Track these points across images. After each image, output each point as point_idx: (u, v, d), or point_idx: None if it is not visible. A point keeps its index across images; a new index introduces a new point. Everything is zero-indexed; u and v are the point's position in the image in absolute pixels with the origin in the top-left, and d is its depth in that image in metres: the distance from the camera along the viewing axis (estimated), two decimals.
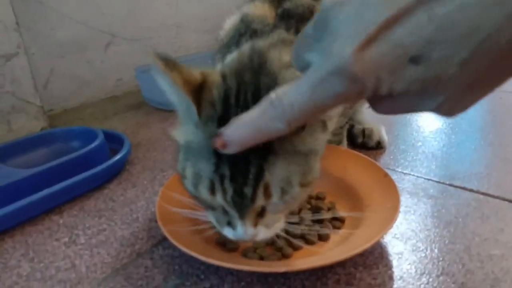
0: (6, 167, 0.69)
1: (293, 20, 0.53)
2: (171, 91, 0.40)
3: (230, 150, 0.36)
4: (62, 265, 0.53)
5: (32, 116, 0.95)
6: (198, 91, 0.40)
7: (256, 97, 0.39)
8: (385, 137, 0.79)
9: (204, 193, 0.41)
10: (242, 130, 0.35)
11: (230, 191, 0.39)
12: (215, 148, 0.37)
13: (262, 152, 0.39)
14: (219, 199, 0.40)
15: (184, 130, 0.43)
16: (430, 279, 0.47)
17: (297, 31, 0.51)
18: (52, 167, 0.67)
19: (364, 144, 0.79)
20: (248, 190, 0.39)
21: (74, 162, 0.70)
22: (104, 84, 1.22)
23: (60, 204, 0.66)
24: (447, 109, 0.28)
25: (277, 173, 0.39)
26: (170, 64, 0.38)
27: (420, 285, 0.46)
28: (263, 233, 0.43)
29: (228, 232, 0.43)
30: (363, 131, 0.79)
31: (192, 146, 0.42)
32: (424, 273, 0.48)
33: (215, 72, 0.43)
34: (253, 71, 0.42)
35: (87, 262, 0.53)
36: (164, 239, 0.56)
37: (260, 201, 0.40)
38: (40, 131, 0.94)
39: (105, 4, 1.17)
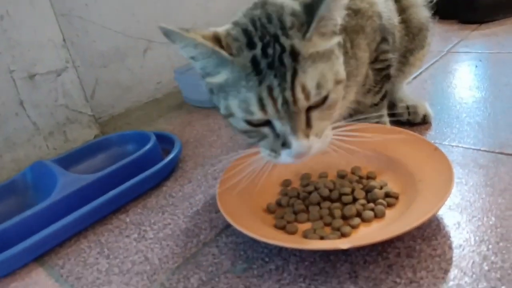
0: (72, 174, 0.74)
1: None
2: (194, 51, 0.48)
3: None
4: (136, 259, 0.57)
5: (85, 125, 1.01)
6: (216, 40, 0.47)
7: (270, 20, 0.47)
8: (430, 111, 0.79)
9: (256, 111, 0.46)
10: None
11: (280, 98, 0.45)
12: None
13: (294, 57, 0.45)
14: (270, 111, 0.46)
15: (217, 77, 0.49)
16: (490, 246, 0.48)
17: None
18: (113, 170, 0.72)
19: (410, 120, 0.79)
20: (288, 94, 0.45)
21: (132, 165, 0.74)
22: (145, 88, 1.27)
23: (125, 204, 0.71)
24: None
25: (309, 72, 0.46)
26: (184, 28, 0.46)
27: (480, 252, 0.47)
28: (316, 143, 0.48)
29: (285, 156, 0.48)
30: (408, 108, 0.80)
31: (229, 81, 0.48)
32: (483, 240, 0.49)
33: (223, 28, 0.50)
34: (261, 7, 0.50)
35: (158, 254, 0.57)
36: (226, 227, 0.59)
37: (301, 101, 0.45)
38: (95, 138, 0.99)
39: (140, 12, 1.21)
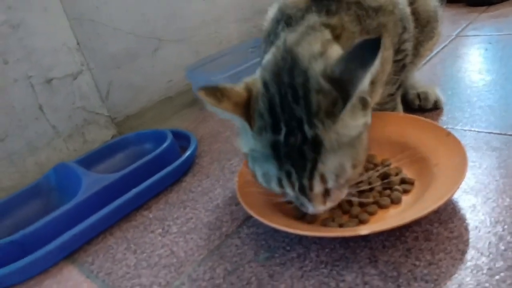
0: (95, 173, 0.77)
1: (324, 1, 0.56)
2: (224, 115, 0.48)
3: None
4: (162, 253, 0.60)
5: (102, 126, 1.04)
6: (247, 107, 0.47)
7: (295, 98, 0.46)
8: (441, 96, 0.80)
9: (275, 187, 0.49)
10: None
11: (297, 184, 0.47)
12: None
13: (315, 148, 0.45)
14: (288, 191, 0.48)
15: (246, 141, 0.50)
16: (506, 226, 0.49)
17: (327, 12, 0.55)
18: (134, 169, 0.75)
19: (421, 107, 0.80)
20: (305, 182, 0.46)
21: (152, 162, 0.77)
22: (157, 87, 1.29)
23: (147, 201, 0.73)
24: None
25: (329, 163, 0.45)
26: (218, 95, 0.46)
27: (496, 232, 0.48)
28: (330, 205, 0.50)
29: (304, 209, 0.51)
30: (418, 95, 0.81)
31: (254, 153, 0.49)
32: (498, 221, 0.50)
33: (257, 81, 0.50)
34: (288, 71, 0.48)
35: (183, 247, 0.60)
36: (247, 219, 0.62)
37: (318, 188, 0.47)
38: (113, 139, 1.02)
39: (149, 11, 1.23)
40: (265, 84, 0.48)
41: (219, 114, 0.48)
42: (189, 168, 0.82)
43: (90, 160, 0.86)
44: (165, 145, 0.80)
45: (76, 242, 0.65)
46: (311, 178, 0.46)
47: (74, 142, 0.99)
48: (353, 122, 0.46)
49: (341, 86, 0.44)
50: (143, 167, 0.76)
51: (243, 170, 0.64)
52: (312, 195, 0.47)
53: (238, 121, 0.49)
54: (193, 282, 0.53)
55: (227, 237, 0.59)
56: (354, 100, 0.44)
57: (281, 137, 0.46)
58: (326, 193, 0.48)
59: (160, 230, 0.65)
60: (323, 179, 0.46)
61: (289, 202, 0.54)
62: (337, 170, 0.46)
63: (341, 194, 0.50)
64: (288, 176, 0.46)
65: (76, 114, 0.98)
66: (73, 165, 0.79)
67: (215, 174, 0.78)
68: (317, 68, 0.46)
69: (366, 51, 0.43)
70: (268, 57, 0.52)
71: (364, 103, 0.48)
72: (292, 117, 0.45)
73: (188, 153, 0.80)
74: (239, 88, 0.49)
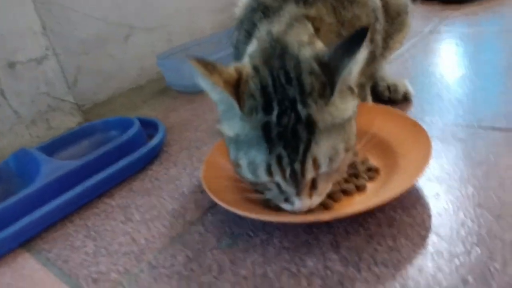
0: (56, 160, 0.74)
1: None
2: (213, 91, 0.46)
3: None
4: (123, 241, 0.58)
5: (67, 112, 1.00)
6: (236, 87, 0.45)
7: (288, 79, 0.45)
8: (410, 89, 0.81)
9: (262, 176, 0.46)
10: None
11: (288, 169, 0.44)
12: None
13: (309, 129, 0.43)
14: (277, 179, 0.45)
15: (230, 125, 0.47)
16: (467, 213, 0.49)
17: (305, 3, 0.54)
18: (98, 156, 0.72)
19: (391, 99, 0.80)
20: (297, 166, 0.44)
21: (116, 150, 0.74)
22: (127, 75, 1.26)
23: (110, 188, 0.71)
24: None
25: (322, 145, 0.44)
26: (209, 67, 0.44)
27: (457, 219, 0.49)
28: (316, 201, 0.48)
29: (286, 207, 0.49)
30: (388, 87, 0.81)
31: (241, 137, 0.46)
32: (460, 208, 0.50)
33: (246, 66, 0.48)
34: (279, 57, 0.47)
35: (145, 235, 0.58)
36: (212, 206, 0.60)
37: (310, 173, 0.45)
38: (78, 126, 0.99)
39: None
40: (255, 68, 0.47)
41: (207, 89, 0.46)
42: (156, 156, 0.80)
43: (53, 147, 0.83)
44: (131, 132, 0.77)
45: (32, 229, 0.62)
46: (303, 161, 0.43)
47: (38, 128, 0.95)
48: (343, 106, 0.46)
49: (329, 71, 0.44)
50: (107, 154, 0.73)
51: (210, 157, 0.63)
52: (303, 184, 0.45)
53: (224, 102, 0.47)
54: (153, 269, 0.51)
55: (191, 224, 0.58)
56: (340, 86, 0.44)
57: (273, 117, 0.44)
58: (313, 185, 0.47)
59: (122, 218, 0.63)
60: (316, 163, 0.44)
61: (267, 200, 0.52)
62: (330, 153, 0.44)
63: (326, 188, 0.49)
64: (279, 161, 0.44)
65: (40, 100, 0.95)
66: (34, 151, 0.76)
67: (183, 163, 0.76)
68: (307, 53, 0.46)
69: (352, 41, 0.43)
70: (253, 47, 0.51)
71: (351, 90, 0.48)
72: (285, 97, 0.44)
73: (155, 140, 0.78)
74: (229, 68, 0.46)
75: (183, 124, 0.94)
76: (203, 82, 0.44)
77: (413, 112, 0.77)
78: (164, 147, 0.83)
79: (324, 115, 0.44)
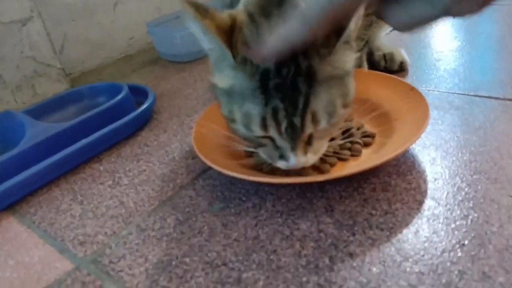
0: (42, 123, 0.71)
1: None
2: (204, 38, 0.42)
3: (266, 62, 0.39)
4: (111, 204, 0.56)
5: (54, 79, 0.97)
6: (230, 34, 0.41)
7: None
8: (407, 58, 0.79)
9: (257, 130, 0.43)
10: (273, 42, 0.37)
11: (284, 123, 0.42)
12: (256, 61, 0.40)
13: (307, 81, 0.40)
14: (272, 133, 0.43)
15: (223, 76, 0.44)
16: (464, 178, 0.48)
17: None
18: (84, 120, 0.70)
19: (387, 68, 0.79)
20: (296, 120, 0.41)
21: (104, 114, 0.72)
22: (117, 44, 1.23)
23: (98, 154, 0.69)
24: (458, 9, 0.28)
25: (321, 98, 0.41)
26: (201, 10, 0.40)
27: (454, 184, 0.48)
28: (311, 159, 0.46)
29: (281, 164, 0.46)
30: (384, 56, 0.79)
31: (235, 89, 0.43)
32: (457, 174, 0.49)
33: (240, 12, 0.44)
34: (276, 5, 0.43)
35: (134, 198, 0.56)
36: (203, 171, 0.59)
37: (309, 128, 0.42)
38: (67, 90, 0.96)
39: None
40: (250, 15, 0.43)
41: (198, 35, 0.42)
42: (146, 123, 0.78)
43: (40, 111, 0.80)
44: (119, 97, 0.75)
45: (17, 193, 0.60)
46: (303, 115, 0.41)
47: (23, 94, 0.92)
48: (345, 57, 0.43)
49: None
50: (94, 118, 0.71)
51: (201, 121, 0.61)
52: (300, 139, 0.43)
53: (217, 50, 0.43)
54: (142, 231, 0.50)
55: (181, 188, 0.56)
56: (347, 32, 0.41)
57: (272, 66, 0.40)
58: (309, 142, 0.45)
59: (110, 182, 0.61)
60: (315, 118, 0.42)
61: (259, 165, 0.51)
62: (329, 107, 0.42)
63: (322, 146, 0.47)
64: (275, 114, 0.41)
65: (25, 64, 0.91)
66: (19, 114, 0.73)
67: (173, 129, 0.74)
68: (307, 0, 0.43)
69: None
70: None
71: (350, 45, 0.45)
72: None
73: (144, 105, 0.75)
74: (222, 14, 0.42)
75: (173, 92, 0.91)
76: (194, 26, 0.41)
77: (409, 81, 0.75)
78: (154, 114, 0.81)
79: (325, 66, 0.41)
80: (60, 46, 1.09)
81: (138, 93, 0.84)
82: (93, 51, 1.17)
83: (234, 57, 0.41)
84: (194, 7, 0.39)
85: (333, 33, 0.41)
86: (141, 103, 0.79)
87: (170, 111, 0.82)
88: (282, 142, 0.44)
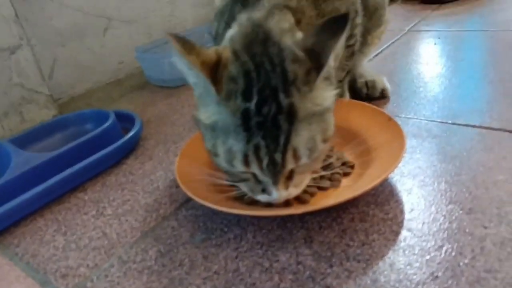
0: (27, 152, 0.72)
1: None
2: (189, 73, 0.44)
3: None
4: (94, 235, 0.57)
5: (42, 105, 0.98)
6: (215, 70, 0.43)
7: (272, 67, 0.43)
8: (388, 85, 0.81)
9: (239, 166, 0.44)
10: None
11: (266, 159, 0.43)
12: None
13: (288, 119, 0.42)
14: (254, 169, 0.44)
15: (207, 111, 0.46)
16: (439, 209, 0.50)
17: None
18: (70, 149, 0.70)
19: (369, 95, 0.81)
20: (278, 156, 0.43)
21: (90, 143, 0.73)
22: (106, 68, 1.24)
23: (83, 182, 0.69)
24: None
25: (302, 135, 0.43)
26: (187, 46, 0.41)
27: (430, 214, 0.49)
28: (293, 192, 0.47)
29: (263, 198, 0.47)
30: (366, 83, 0.81)
31: (218, 124, 0.44)
32: (433, 204, 0.51)
33: (225, 49, 0.46)
34: (261, 44, 0.45)
35: (117, 229, 0.57)
36: (186, 201, 0.59)
37: (290, 164, 0.44)
38: (54, 118, 0.97)
39: None
40: (235, 53, 0.45)
41: (184, 70, 0.44)
42: (132, 150, 0.78)
43: (26, 139, 0.80)
44: (105, 125, 0.76)
45: (0, 224, 0.60)
46: (284, 152, 0.42)
47: (10, 121, 0.93)
48: (325, 94, 0.45)
49: (314, 56, 0.43)
50: (80, 147, 0.72)
51: (186, 150, 0.62)
52: (281, 175, 0.44)
53: (201, 85, 0.45)
54: (123, 264, 0.50)
55: (164, 219, 0.57)
56: (326, 69, 0.43)
57: (253, 105, 0.42)
58: (290, 176, 0.46)
59: (94, 212, 0.62)
60: (296, 154, 0.43)
61: (242, 196, 0.51)
62: (309, 143, 0.43)
63: (304, 180, 0.48)
64: (257, 150, 0.42)
65: (13, 91, 0.92)
66: (4, 143, 0.74)
67: (158, 157, 0.75)
68: (289, 40, 0.45)
69: (335, 25, 0.43)
70: (233, 31, 0.49)
71: (330, 81, 0.47)
72: (266, 85, 0.42)
73: (130, 133, 0.76)
74: (208, 50, 0.44)
75: (161, 118, 0.92)
76: (180, 61, 0.42)
77: (389, 108, 0.77)
78: (140, 141, 0.82)
79: (306, 103, 0.43)
80: (50, 71, 1.10)
81: (126, 120, 0.85)
82: (82, 76, 1.18)
83: (218, 93, 0.42)
84: (181, 42, 0.41)
85: (313, 69, 0.43)
86: (128, 129, 0.80)
87: (156, 138, 0.83)
88: (264, 178, 0.45)
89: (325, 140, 0.46)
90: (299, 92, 0.42)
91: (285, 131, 0.42)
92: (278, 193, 0.45)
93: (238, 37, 0.47)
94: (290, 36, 0.47)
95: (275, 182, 0.45)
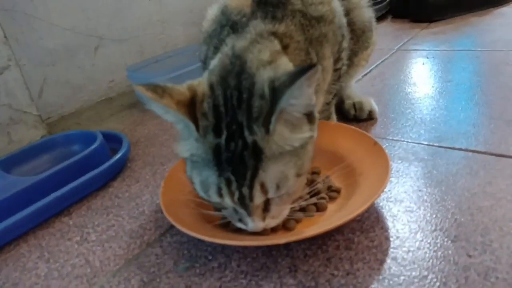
0: (12, 176, 0.71)
1: (269, 7, 0.55)
2: (167, 115, 0.44)
3: None
4: (77, 262, 0.56)
5: (30, 125, 0.97)
6: (191, 107, 0.44)
7: (239, 101, 0.44)
8: (375, 107, 0.81)
9: (214, 197, 0.45)
10: None
11: (236, 193, 0.44)
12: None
13: (256, 155, 0.42)
14: (227, 201, 0.44)
15: (186, 145, 0.46)
16: (424, 236, 0.49)
17: (273, 18, 0.54)
18: (55, 172, 0.70)
19: (357, 117, 0.81)
20: (245, 191, 0.43)
21: (77, 165, 0.72)
22: (97, 87, 1.24)
23: (68, 206, 0.68)
24: None
25: (270, 171, 0.43)
26: (159, 91, 0.42)
27: (415, 242, 0.49)
28: (271, 223, 0.47)
29: (241, 226, 0.48)
30: (354, 105, 0.81)
31: (195, 158, 0.45)
32: (418, 231, 0.50)
33: (202, 83, 0.47)
34: (235, 75, 0.46)
35: (100, 257, 0.56)
36: (171, 227, 0.59)
37: (258, 198, 0.44)
38: (41, 139, 0.96)
39: (90, 8, 1.18)
40: (211, 86, 0.46)
41: (161, 113, 0.44)
42: (119, 172, 0.78)
43: (12, 162, 0.80)
44: (92, 147, 0.75)
45: None
46: (251, 186, 0.43)
47: None
48: (293, 135, 0.44)
49: (274, 98, 0.42)
50: (67, 170, 0.71)
51: (171, 174, 0.62)
52: (252, 207, 0.44)
53: (179, 123, 0.45)
54: None
55: (148, 245, 0.56)
56: (281, 116, 0.42)
57: (222, 141, 0.43)
58: (266, 208, 0.46)
59: (77, 238, 0.61)
60: (264, 189, 0.43)
61: (225, 220, 0.51)
62: (279, 178, 0.43)
63: (283, 211, 0.48)
64: (228, 184, 0.43)
65: (1, 112, 0.92)
66: None
67: (145, 179, 0.74)
68: (264, 75, 0.45)
69: (296, 73, 0.41)
70: (215, 62, 0.50)
71: (310, 118, 0.46)
72: (233, 121, 0.43)
73: (117, 156, 0.76)
74: (181, 87, 0.45)
75: (149, 138, 0.92)
76: (155, 107, 0.43)
77: (377, 130, 0.77)
78: (128, 162, 0.82)
79: (269, 143, 0.43)
80: (39, 90, 1.10)
81: (114, 140, 0.84)
82: (73, 94, 1.18)
83: (197, 129, 0.43)
84: (151, 89, 0.42)
85: (270, 112, 0.42)
86: (116, 150, 0.79)
87: (144, 159, 0.82)
88: (239, 209, 0.45)
89: (299, 175, 0.46)
90: (260, 131, 0.42)
91: (251, 167, 0.43)
92: (254, 224, 0.46)
93: (217, 69, 0.48)
94: (269, 68, 0.46)
95: (250, 214, 0.45)
